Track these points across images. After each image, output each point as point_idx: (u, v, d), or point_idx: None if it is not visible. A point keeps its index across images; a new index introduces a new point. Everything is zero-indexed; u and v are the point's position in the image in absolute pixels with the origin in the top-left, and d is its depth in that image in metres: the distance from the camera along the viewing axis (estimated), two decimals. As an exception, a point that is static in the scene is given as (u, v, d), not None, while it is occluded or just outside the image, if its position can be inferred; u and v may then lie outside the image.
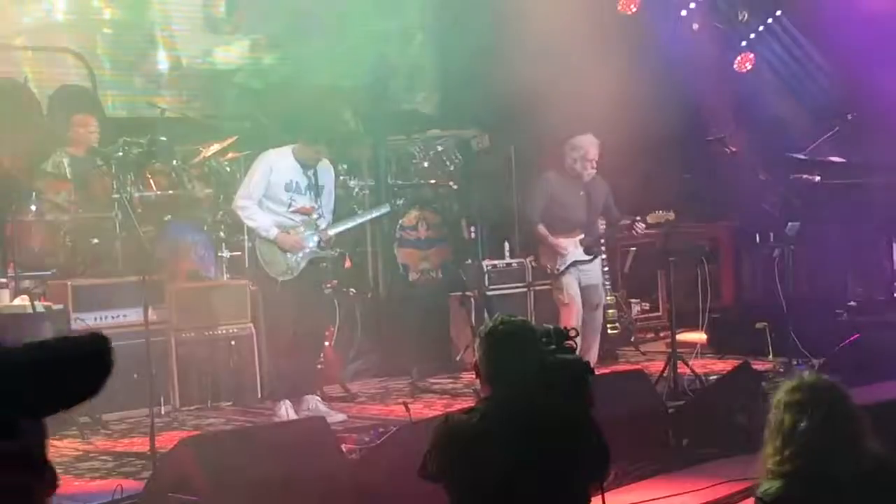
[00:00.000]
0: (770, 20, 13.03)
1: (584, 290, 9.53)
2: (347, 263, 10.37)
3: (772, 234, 11.09)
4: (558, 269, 9.51)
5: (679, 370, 8.99)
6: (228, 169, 10.25)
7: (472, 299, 10.57)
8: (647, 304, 12.28)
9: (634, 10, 12.19)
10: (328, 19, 11.71)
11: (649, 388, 8.15)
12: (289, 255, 8.51)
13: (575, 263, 9.50)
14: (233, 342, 9.48)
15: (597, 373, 4.50)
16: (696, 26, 12.66)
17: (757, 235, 11.44)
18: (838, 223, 10.99)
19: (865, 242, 11.32)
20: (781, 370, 9.60)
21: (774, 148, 11.81)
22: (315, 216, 8.62)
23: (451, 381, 10.25)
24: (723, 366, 9.89)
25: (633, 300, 12.01)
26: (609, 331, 10.39)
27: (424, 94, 13.10)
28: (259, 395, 9.37)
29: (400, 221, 11.08)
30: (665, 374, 8.95)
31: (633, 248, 11.91)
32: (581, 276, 9.53)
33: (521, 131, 11.91)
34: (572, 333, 4.15)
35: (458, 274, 11.03)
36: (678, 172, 11.99)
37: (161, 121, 10.74)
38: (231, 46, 12.05)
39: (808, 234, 10.74)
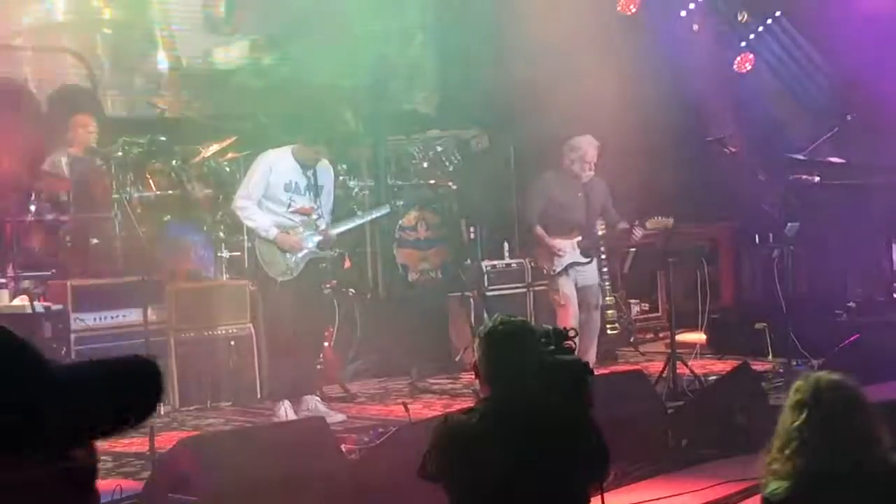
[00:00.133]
0: (770, 21, 13.02)
1: (581, 290, 9.53)
2: (347, 264, 10.38)
3: (771, 235, 11.08)
4: (554, 271, 9.51)
5: (678, 371, 8.99)
6: (228, 169, 10.25)
7: (472, 300, 10.57)
8: (647, 305, 12.29)
9: (634, 10, 12.19)
10: (328, 19, 11.70)
11: (649, 389, 8.15)
12: (288, 255, 8.51)
13: (572, 265, 9.50)
14: (232, 342, 9.48)
15: (596, 373, 4.50)
16: (695, 27, 12.66)
17: (756, 236, 11.43)
18: (838, 224, 10.99)
19: (865, 243, 11.31)
20: (781, 371, 9.60)
21: (774, 148, 11.81)
22: (315, 216, 8.62)
23: (450, 381, 10.25)
24: (722, 366, 9.88)
25: (632, 301, 12.01)
26: (608, 331, 10.38)
27: (424, 94, 13.09)
28: (258, 396, 9.36)
29: (399, 222, 11.08)
30: (664, 375, 8.95)
31: (633, 249, 11.90)
32: (577, 276, 9.53)
33: (520, 131, 11.91)
34: (571, 334, 4.15)
35: (457, 274, 11.03)
36: (678, 173, 11.98)
37: (161, 121, 10.74)
38: (231, 46, 12.04)
39: (808, 234, 10.74)
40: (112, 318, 8.99)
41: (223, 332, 9.46)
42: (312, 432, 6.71)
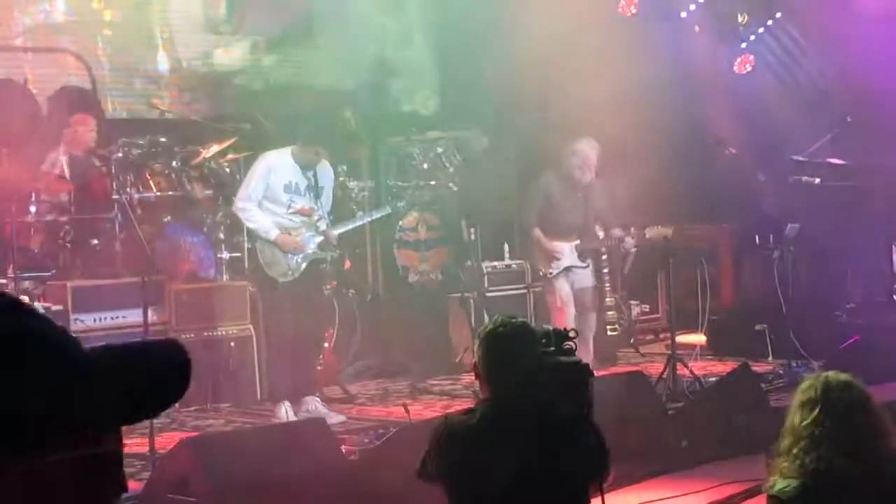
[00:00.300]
0: (770, 22, 13.02)
1: (577, 293, 9.53)
2: (347, 265, 10.37)
3: (771, 236, 11.07)
4: (551, 273, 9.51)
5: (678, 372, 8.99)
6: (228, 170, 10.25)
7: (472, 301, 10.57)
8: (647, 306, 12.27)
9: (634, 11, 12.18)
10: (328, 20, 11.70)
11: (649, 390, 8.15)
12: (289, 256, 8.51)
13: (569, 268, 9.50)
14: (232, 343, 9.48)
15: (596, 374, 4.50)
16: (696, 28, 12.65)
17: (757, 237, 11.42)
18: (838, 225, 10.98)
19: (865, 244, 11.31)
20: (781, 372, 9.60)
21: (774, 150, 11.80)
22: (315, 217, 8.63)
23: (450, 382, 10.25)
24: (722, 367, 9.88)
25: (632, 302, 12.00)
26: (608, 332, 10.38)
27: (424, 94, 13.08)
28: (259, 397, 9.37)
29: (399, 223, 11.08)
30: (664, 376, 8.94)
31: (634, 250, 11.89)
32: (574, 279, 9.53)
33: (520, 133, 11.90)
34: (572, 335, 4.15)
35: (457, 275, 11.02)
36: (678, 174, 11.97)
37: (161, 122, 10.74)
38: (231, 48, 12.03)
39: (808, 235, 10.73)
40: (112, 318, 8.99)
41: (223, 333, 9.46)
42: (312, 433, 6.72)
